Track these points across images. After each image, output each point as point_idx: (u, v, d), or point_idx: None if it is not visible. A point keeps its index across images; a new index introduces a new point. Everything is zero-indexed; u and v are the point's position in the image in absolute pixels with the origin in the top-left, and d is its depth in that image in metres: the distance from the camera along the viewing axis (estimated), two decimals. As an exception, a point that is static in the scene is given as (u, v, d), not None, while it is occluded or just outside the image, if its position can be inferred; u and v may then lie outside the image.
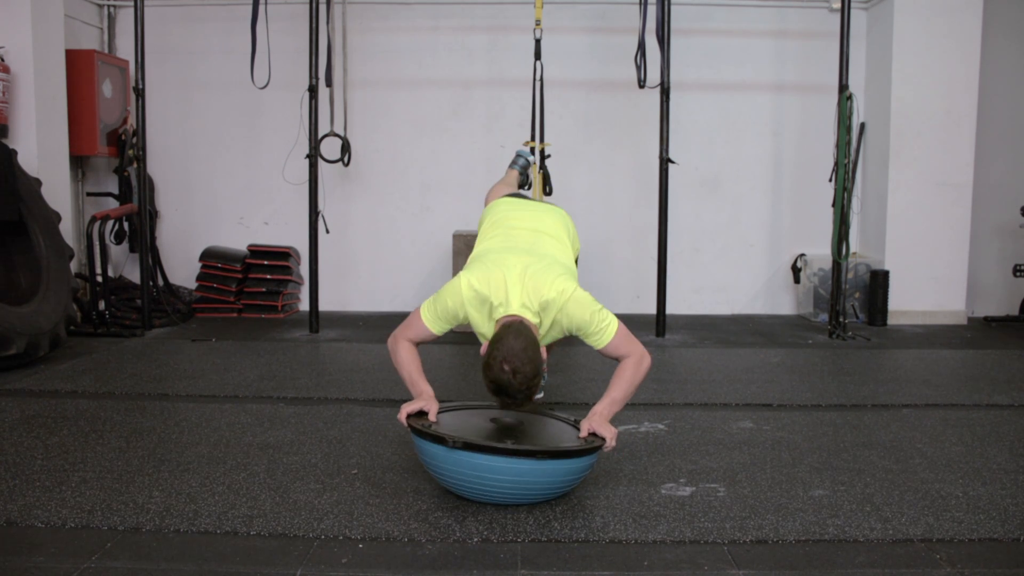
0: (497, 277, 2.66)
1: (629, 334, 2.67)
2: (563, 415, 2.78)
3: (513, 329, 2.52)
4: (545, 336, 2.71)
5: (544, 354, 2.64)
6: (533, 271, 2.68)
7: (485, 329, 2.67)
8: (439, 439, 2.36)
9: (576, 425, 2.62)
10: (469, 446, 2.34)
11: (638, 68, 5.12)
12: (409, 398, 2.67)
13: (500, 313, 2.62)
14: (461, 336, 5.25)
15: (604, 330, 2.63)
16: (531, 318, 2.61)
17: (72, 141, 5.54)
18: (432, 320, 2.72)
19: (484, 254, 2.85)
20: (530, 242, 2.94)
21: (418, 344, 2.77)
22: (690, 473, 2.75)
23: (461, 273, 2.73)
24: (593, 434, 2.52)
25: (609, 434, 2.50)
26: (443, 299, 2.70)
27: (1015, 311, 6.15)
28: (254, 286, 6.02)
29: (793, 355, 4.76)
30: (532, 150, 5.26)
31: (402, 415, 2.52)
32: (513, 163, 4.26)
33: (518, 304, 2.61)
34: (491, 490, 2.38)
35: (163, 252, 6.11)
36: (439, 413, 2.58)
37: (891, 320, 5.87)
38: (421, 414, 2.54)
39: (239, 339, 5.12)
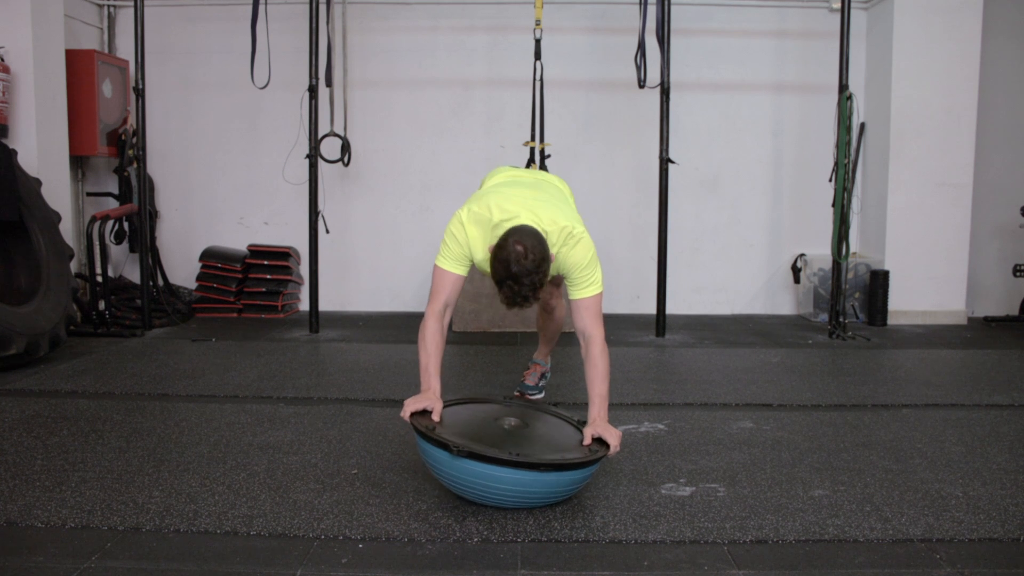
0: (498, 201, 2.71)
1: (601, 309, 2.75)
2: (567, 414, 2.78)
3: (523, 222, 2.60)
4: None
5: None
6: (543, 200, 2.75)
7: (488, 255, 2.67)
8: (443, 445, 2.35)
9: (579, 426, 2.62)
10: (473, 455, 2.33)
11: (638, 68, 5.12)
12: (415, 391, 2.64)
13: (505, 227, 2.62)
14: (461, 336, 5.26)
15: (590, 285, 2.71)
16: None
17: (72, 141, 5.54)
18: (452, 263, 2.74)
19: (485, 191, 2.92)
20: (535, 181, 3.08)
21: (449, 310, 2.75)
22: (690, 473, 2.75)
23: (460, 208, 2.78)
24: (597, 439, 2.51)
25: (614, 439, 2.50)
26: (450, 236, 2.74)
27: (1015, 311, 6.15)
28: (254, 286, 6.02)
29: (793, 355, 4.76)
30: (532, 150, 5.27)
31: (405, 412, 2.49)
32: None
33: (528, 219, 2.64)
34: (492, 496, 2.38)
35: (163, 252, 6.11)
36: (444, 408, 2.57)
37: (891, 320, 5.87)
38: (425, 412, 2.51)
39: (239, 339, 5.12)
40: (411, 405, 2.51)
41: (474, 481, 2.36)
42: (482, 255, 2.72)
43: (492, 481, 2.34)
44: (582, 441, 2.52)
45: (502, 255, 2.49)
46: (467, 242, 2.72)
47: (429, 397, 2.55)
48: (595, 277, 2.72)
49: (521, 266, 2.46)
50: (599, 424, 2.55)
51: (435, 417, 2.50)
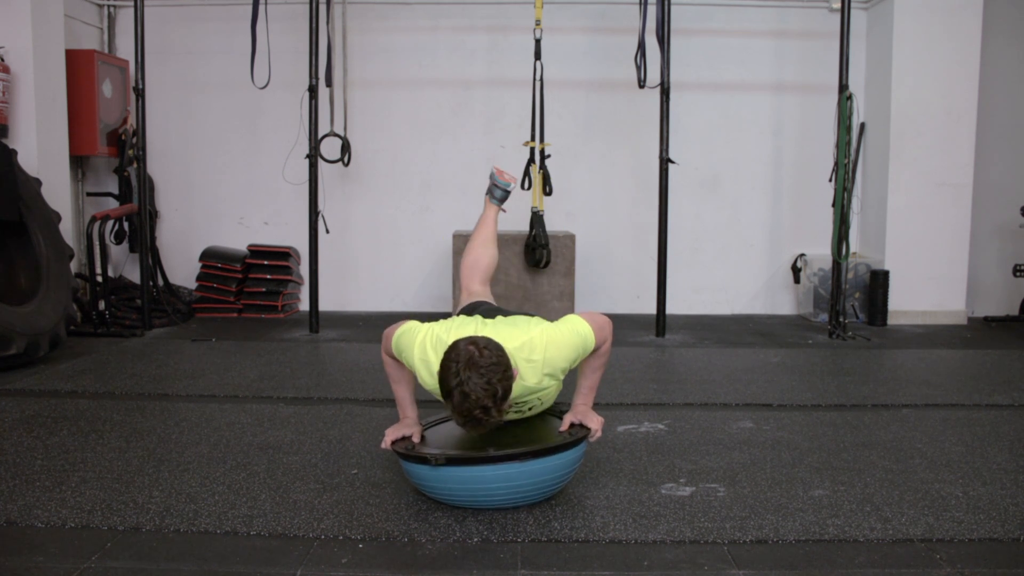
0: (462, 327, 2.42)
1: (595, 318, 2.53)
2: (549, 408, 2.78)
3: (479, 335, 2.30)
4: (539, 387, 2.42)
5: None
6: (501, 323, 2.49)
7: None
8: (422, 459, 2.37)
9: (561, 416, 2.63)
10: (452, 461, 2.34)
11: (638, 68, 5.12)
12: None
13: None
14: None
15: (583, 344, 2.46)
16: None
17: (72, 141, 5.54)
18: (396, 349, 2.51)
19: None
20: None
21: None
22: (690, 473, 2.75)
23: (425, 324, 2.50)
24: (579, 425, 2.53)
25: (595, 424, 2.52)
26: (403, 338, 2.47)
27: (1015, 311, 6.15)
28: (254, 286, 6.02)
29: (793, 355, 4.76)
30: (532, 150, 5.27)
31: (386, 442, 2.52)
32: (491, 194, 3.45)
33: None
34: (486, 499, 2.39)
35: (163, 252, 6.11)
36: (424, 431, 2.59)
37: (891, 320, 5.87)
38: (405, 438, 2.53)
39: (239, 339, 5.12)
40: (391, 434, 2.54)
41: (463, 488, 2.36)
42: (432, 382, 2.36)
43: (479, 483, 2.34)
44: (560, 429, 2.54)
45: (452, 355, 2.16)
46: (411, 363, 2.43)
47: (407, 424, 2.58)
48: (583, 334, 2.45)
49: (477, 367, 2.10)
50: (580, 410, 2.57)
51: (415, 440, 2.52)
